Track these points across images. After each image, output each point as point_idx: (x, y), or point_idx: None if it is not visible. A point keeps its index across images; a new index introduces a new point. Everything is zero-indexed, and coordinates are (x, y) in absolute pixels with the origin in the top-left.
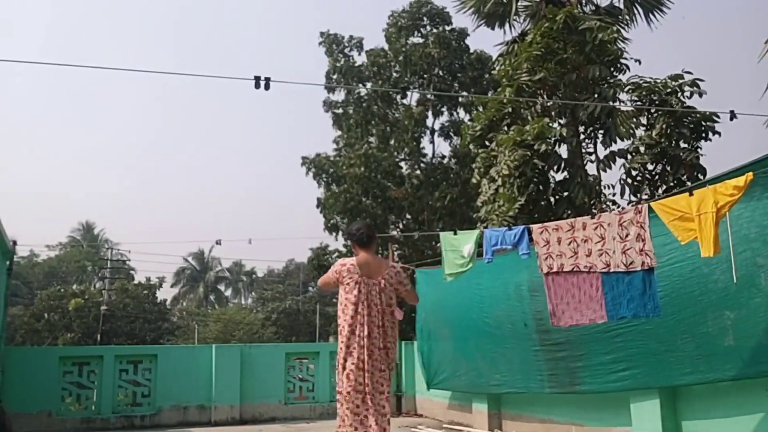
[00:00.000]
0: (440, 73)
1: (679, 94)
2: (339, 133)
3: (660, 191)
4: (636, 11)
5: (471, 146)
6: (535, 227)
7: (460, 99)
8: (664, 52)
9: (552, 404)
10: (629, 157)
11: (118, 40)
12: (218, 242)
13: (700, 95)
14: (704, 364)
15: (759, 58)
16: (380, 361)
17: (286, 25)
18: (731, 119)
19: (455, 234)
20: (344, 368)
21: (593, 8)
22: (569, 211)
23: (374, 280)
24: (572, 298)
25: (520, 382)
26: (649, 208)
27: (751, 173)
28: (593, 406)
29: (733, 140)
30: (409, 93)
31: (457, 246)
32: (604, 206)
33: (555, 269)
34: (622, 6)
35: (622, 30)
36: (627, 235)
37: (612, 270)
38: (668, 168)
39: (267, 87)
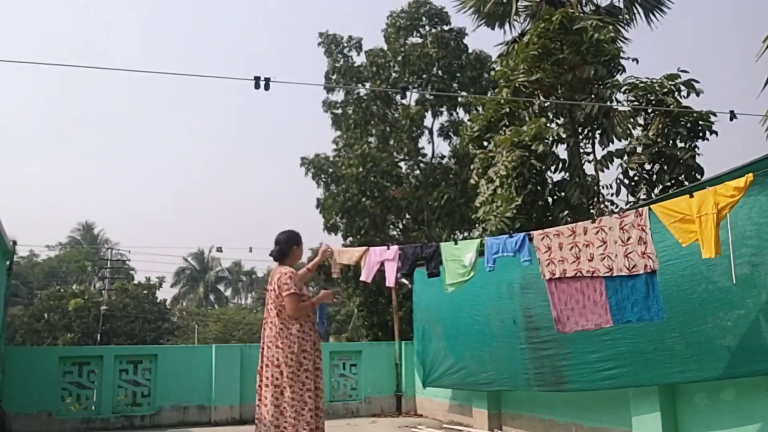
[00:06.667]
0: (439, 72)
1: (676, 93)
2: (338, 133)
3: (657, 191)
4: (636, 11)
5: (470, 147)
6: (536, 233)
7: (459, 99)
8: (660, 52)
9: (552, 404)
10: (626, 157)
11: (115, 40)
12: (219, 249)
13: (697, 94)
14: (695, 363)
15: (757, 56)
16: (271, 357)
17: (284, 25)
18: (731, 119)
19: (456, 244)
20: None
21: (593, 8)
22: (566, 212)
23: (271, 287)
24: (576, 304)
25: (507, 380)
26: (650, 210)
27: (751, 174)
28: (594, 407)
29: (728, 138)
30: (408, 93)
31: (458, 256)
32: (602, 206)
33: (557, 275)
34: (622, 6)
35: (622, 30)
36: (629, 239)
37: (615, 274)
38: (665, 167)
39: (267, 87)
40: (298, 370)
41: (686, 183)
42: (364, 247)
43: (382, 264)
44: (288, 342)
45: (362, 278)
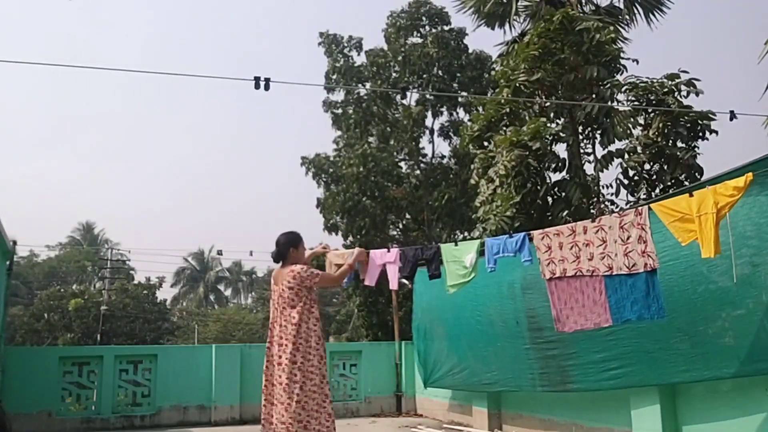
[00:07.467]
0: (439, 73)
1: (676, 93)
2: (339, 133)
3: (657, 191)
4: (636, 11)
5: (470, 147)
6: (536, 233)
7: (459, 99)
8: (660, 52)
9: (552, 404)
10: (626, 156)
11: (115, 40)
12: (219, 252)
13: (697, 94)
14: (700, 362)
15: (759, 58)
16: (277, 355)
17: (284, 25)
18: (731, 119)
19: (456, 245)
20: None
21: (593, 8)
22: (566, 211)
23: (277, 287)
24: (576, 303)
25: (511, 381)
26: (649, 209)
27: (750, 174)
28: (594, 406)
29: (728, 138)
30: (408, 93)
31: (459, 257)
32: (602, 206)
33: (558, 274)
34: (622, 6)
35: (621, 30)
36: (628, 238)
37: (614, 273)
38: (665, 167)
39: (267, 87)
40: (303, 366)
41: (686, 183)
42: (358, 249)
43: (384, 266)
44: (293, 339)
45: (366, 282)
